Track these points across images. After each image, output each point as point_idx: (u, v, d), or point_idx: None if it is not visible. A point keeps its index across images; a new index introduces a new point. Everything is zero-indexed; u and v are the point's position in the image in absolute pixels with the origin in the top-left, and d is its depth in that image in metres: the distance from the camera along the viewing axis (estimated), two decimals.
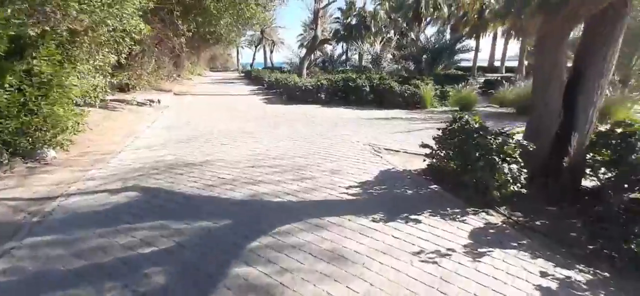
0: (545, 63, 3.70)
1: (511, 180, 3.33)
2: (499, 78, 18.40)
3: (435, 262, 2.57)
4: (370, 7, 35.25)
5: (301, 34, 47.41)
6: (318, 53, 31.92)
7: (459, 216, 3.33)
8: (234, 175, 4.62)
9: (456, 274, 2.43)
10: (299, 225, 3.18)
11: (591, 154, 3.55)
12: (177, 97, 14.88)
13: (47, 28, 5.16)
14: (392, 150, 6.12)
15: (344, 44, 36.03)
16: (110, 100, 10.37)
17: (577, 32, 6.34)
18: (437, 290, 2.26)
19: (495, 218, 3.29)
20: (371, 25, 32.84)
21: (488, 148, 3.50)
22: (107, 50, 7.45)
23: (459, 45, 24.28)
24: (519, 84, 12.27)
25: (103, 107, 9.66)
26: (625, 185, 3.00)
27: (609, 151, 3.31)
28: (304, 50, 33.44)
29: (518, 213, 3.37)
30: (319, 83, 13.38)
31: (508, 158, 3.49)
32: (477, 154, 3.58)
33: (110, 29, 6.83)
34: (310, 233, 3.03)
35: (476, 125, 3.94)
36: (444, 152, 4.43)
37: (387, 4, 33.63)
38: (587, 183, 3.79)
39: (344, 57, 35.78)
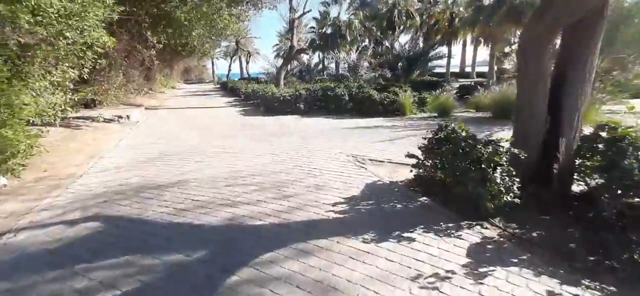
0: (529, 69, 3.63)
1: (504, 191, 3.19)
2: (472, 83, 18.92)
3: (436, 288, 2.34)
4: (345, 17, 35.73)
5: (277, 45, 47.36)
6: (295, 63, 31.77)
7: (453, 231, 3.14)
8: (209, 196, 4.25)
9: None
10: (283, 251, 2.88)
11: (580, 160, 3.48)
12: (148, 112, 14.15)
13: None
14: (376, 160, 5.93)
15: (320, 53, 36.18)
16: (73, 118, 9.64)
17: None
18: None
19: (491, 232, 3.13)
20: (347, 34, 33.21)
21: (478, 158, 3.35)
22: (67, 65, 6.88)
23: (432, 53, 24.81)
24: (494, 89, 12.55)
25: (65, 125, 8.96)
26: (619, 191, 2.92)
27: (598, 156, 3.24)
28: (280, 60, 33.29)
29: (513, 224, 3.23)
30: (297, 93, 13.15)
31: (498, 167, 3.36)
32: (467, 164, 3.43)
33: (70, 42, 6.31)
34: (296, 260, 2.74)
35: (463, 134, 3.81)
36: (431, 161, 4.27)
37: (361, 13, 34.20)
38: (575, 188, 3.73)
39: (320, 66, 35.84)
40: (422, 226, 3.25)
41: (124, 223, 3.54)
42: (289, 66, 27.48)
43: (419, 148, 4.43)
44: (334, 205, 3.90)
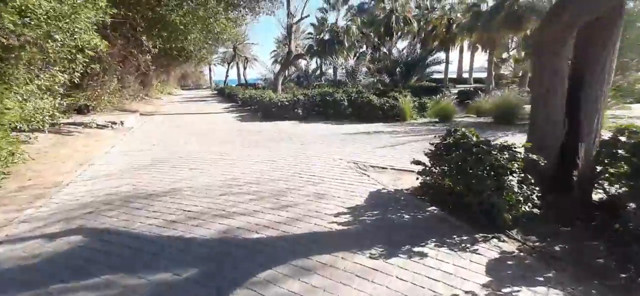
0: (545, 72, 3.40)
1: (523, 200, 2.94)
2: (472, 88, 18.79)
3: None
4: (342, 23, 35.74)
5: (274, 50, 47.31)
6: (293, 68, 31.64)
7: (468, 245, 2.88)
8: (203, 206, 3.97)
9: None
10: (283, 269, 2.61)
11: (600, 166, 3.25)
12: (143, 118, 13.84)
13: None
14: (378, 167, 5.68)
15: (318, 59, 36.09)
16: (65, 123, 9.34)
17: None
18: None
19: (510, 245, 2.87)
20: (344, 40, 33.17)
21: (493, 164, 3.11)
22: (56, 68, 6.61)
23: (430, 58, 24.72)
24: (495, 93, 12.39)
25: (55, 131, 8.65)
26: None
27: (621, 162, 3.01)
28: (278, 66, 33.13)
29: (532, 237, 2.97)
30: (295, 98, 12.90)
31: (513, 175, 3.12)
32: (480, 171, 3.19)
33: (59, 45, 6.05)
34: (297, 280, 2.46)
35: (474, 139, 3.57)
36: (438, 168, 4.02)
37: (358, 20, 34.21)
38: (595, 196, 3.50)
39: (318, 72, 35.72)
40: (433, 239, 2.99)
41: (109, 236, 3.26)
42: (286, 72, 27.32)
43: (426, 154, 4.19)
44: (337, 215, 3.63)
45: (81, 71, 7.87)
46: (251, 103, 16.08)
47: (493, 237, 2.98)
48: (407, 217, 3.55)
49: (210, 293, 2.32)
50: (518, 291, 2.27)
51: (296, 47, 28.50)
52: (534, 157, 3.09)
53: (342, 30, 34.15)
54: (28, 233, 3.37)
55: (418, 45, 31.21)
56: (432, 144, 4.11)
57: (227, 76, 48.77)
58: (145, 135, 9.65)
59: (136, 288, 2.41)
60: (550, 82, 3.37)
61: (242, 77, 47.60)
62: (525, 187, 3.00)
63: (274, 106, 12.83)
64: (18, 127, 6.01)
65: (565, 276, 2.43)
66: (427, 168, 4.11)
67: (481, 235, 3.03)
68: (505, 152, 3.12)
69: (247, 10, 14.73)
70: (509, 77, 24.85)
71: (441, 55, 30.35)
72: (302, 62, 34.35)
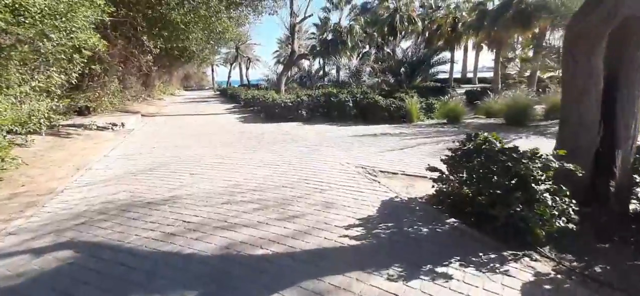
0: (577, 71, 3.10)
1: (557, 214, 2.64)
2: (478, 88, 18.42)
3: None
4: (345, 23, 35.40)
5: (277, 51, 47.12)
6: (296, 69, 31.40)
7: (497, 265, 2.58)
8: (203, 216, 3.70)
9: None
10: (291, 292, 2.33)
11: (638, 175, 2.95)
12: (145, 119, 13.62)
13: None
14: (389, 172, 5.39)
15: (321, 60, 35.78)
16: (63, 125, 9.11)
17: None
18: None
19: (543, 265, 2.57)
20: (347, 40, 32.77)
21: (522, 174, 2.81)
22: (52, 68, 6.38)
23: (435, 58, 24.35)
24: (506, 94, 12.05)
25: (53, 134, 8.43)
26: None
27: None
28: (280, 67, 32.93)
29: (567, 255, 2.67)
30: (299, 99, 12.63)
31: (544, 185, 2.82)
32: (507, 181, 2.89)
33: (55, 44, 5.81)
34: None
35: (498, 145, 3.27)
36: (456, 176, 3.73)
37: (362, 19, 33.85)
38: (632, 207, 3.19)
39: (321, 72, 35.43)
40: (457, 257, 2.70)
41: (102, 251, 2.99)
42: (289, 72, 27.09)
43: (442, 160, 3.89)
44: (348, 227, 3.35)
45: (80, 72, 7.66)
46: (254, 104, 15.83)
47: (524, 255, 2.68)
48: (425, 230, 3.26)
49: None
50: None
51: (299, 47, 28.21)
52: (571, 166, 2.78)
53: (345, 29, 33.77)
54: (15, 247, 3.11)
55: (422, 45, 30.86)
56: (450, 150, 3.82)
57: (229, 77, 48.69)
58: (146, 137, 9.40)
59: None
60: (583, 82, 3.07)
61: (244, 77, 47.47)
62: (559, 199, 2.70)
63: (277, 107, 12.56)
64: (15, 131, 5.78)
65: None
66: (444, 175, 3.81)
67: (510, 252, 2.73)
68: (537, 160, 2.82)
69: (249, 9, 14.48)
70: (515, 76, 24.43)
71: (446, 54, 29.89)
72: (305, 63, 34.11)
